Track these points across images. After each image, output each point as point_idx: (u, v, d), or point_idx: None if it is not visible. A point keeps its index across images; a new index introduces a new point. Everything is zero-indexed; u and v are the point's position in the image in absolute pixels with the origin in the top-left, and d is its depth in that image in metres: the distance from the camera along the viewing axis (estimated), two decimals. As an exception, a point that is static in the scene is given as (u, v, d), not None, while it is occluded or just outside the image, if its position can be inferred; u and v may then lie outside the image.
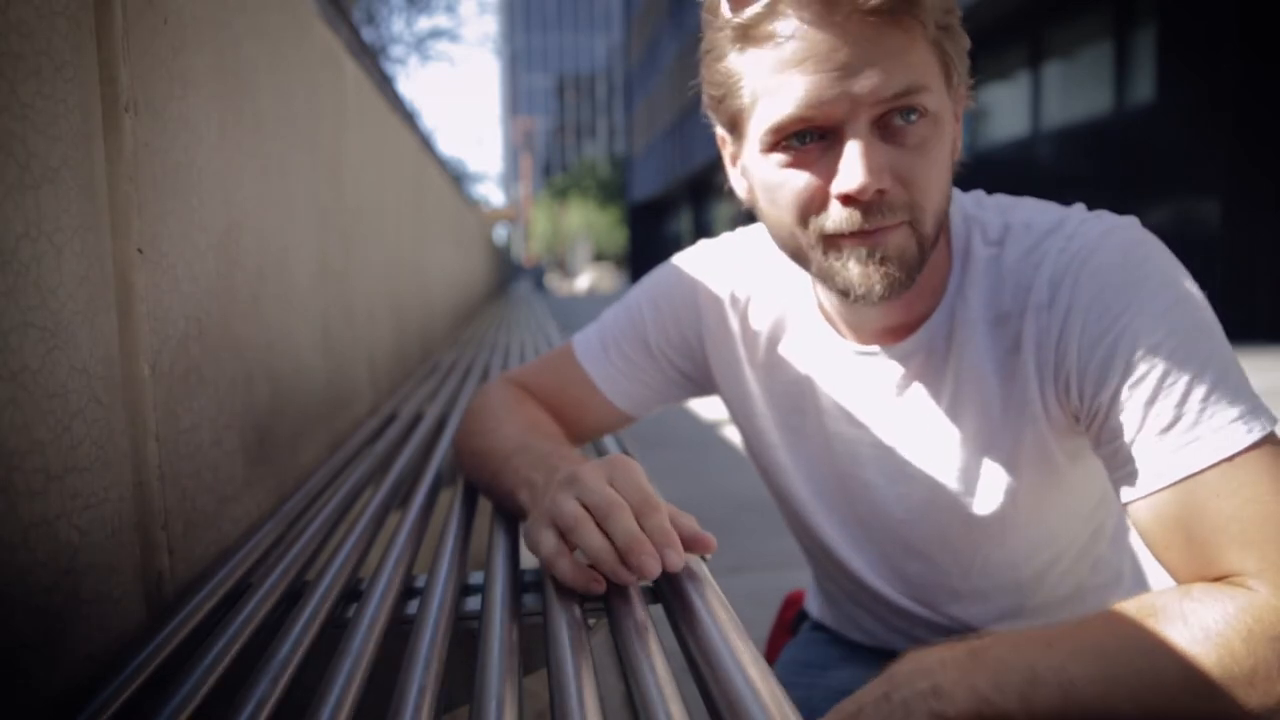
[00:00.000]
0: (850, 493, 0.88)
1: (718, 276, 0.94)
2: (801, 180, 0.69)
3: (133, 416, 0.63)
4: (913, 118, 0.67)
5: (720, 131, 0.79)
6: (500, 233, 22.58)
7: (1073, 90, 9.91)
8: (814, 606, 1.09)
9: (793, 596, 1.25)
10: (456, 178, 8.82)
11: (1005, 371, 0.76)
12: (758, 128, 0.71)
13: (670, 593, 0.62)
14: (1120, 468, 0.68)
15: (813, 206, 0.70)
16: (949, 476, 0.81)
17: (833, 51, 0.64)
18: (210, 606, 0.64)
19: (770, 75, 0.68)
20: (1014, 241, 0.75)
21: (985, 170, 11.11)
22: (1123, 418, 0.67)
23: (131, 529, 0.62)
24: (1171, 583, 0.67)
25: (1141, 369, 0.66)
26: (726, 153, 0.81)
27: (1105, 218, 0.73)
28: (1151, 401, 0.65)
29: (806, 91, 0.66)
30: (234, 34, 0.89)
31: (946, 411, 0.80)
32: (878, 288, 0.70)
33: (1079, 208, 0.77)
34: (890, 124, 0.67)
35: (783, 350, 0.89)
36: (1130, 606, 0.63)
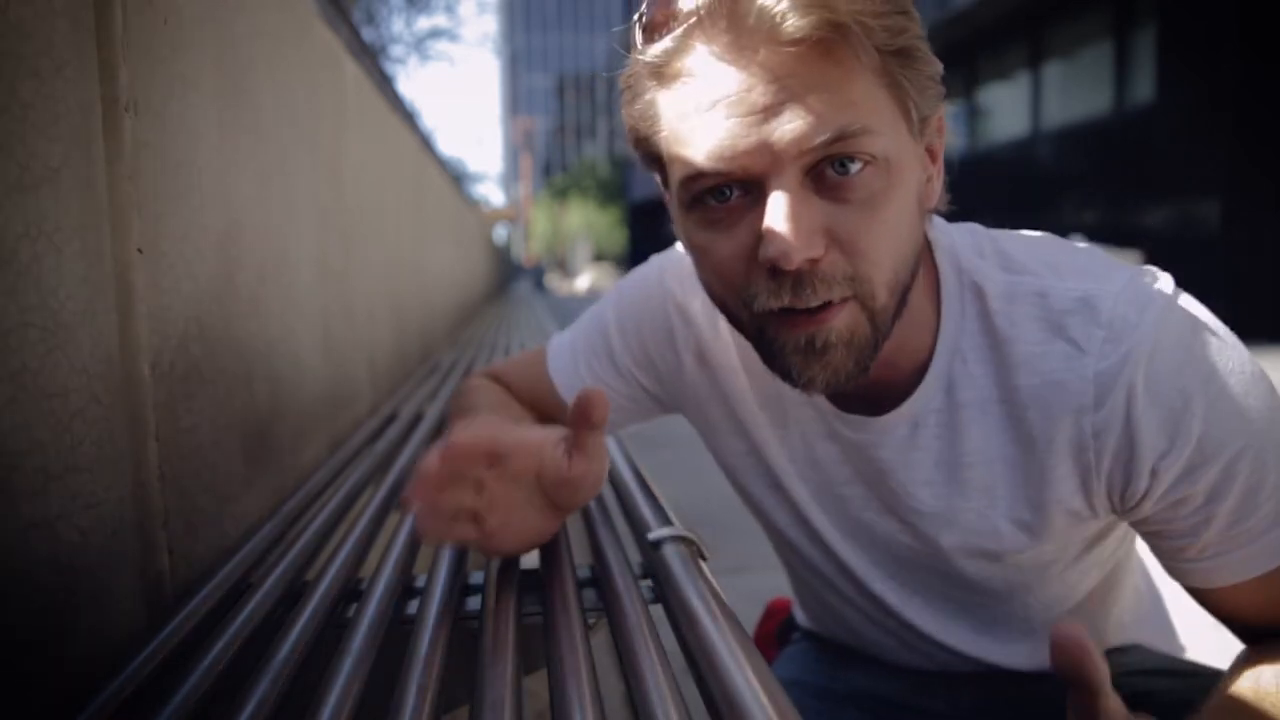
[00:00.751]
0: (854, 531, 0.81)
1: (691, 292, 0.83)
2: (724, 247, 0.59)
3: (133, 416, 0.63)
4: (853, 167, 0.55)
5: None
6: (500, 233, 22.58)
7: (1073, 90, 9.92)
8: (804, 618, 1.05)
9: (773, 606, 1.19)
10: (456, 178, 8.82)
11: (1020, 460, 0.67)
12: (673, 181, 0.62)
13: (670, 593, 0.62)
14: (1197, 561, 0.63)
15: (738, 277, 0.60)
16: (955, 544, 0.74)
17: (747, 92, 0.54)
18: (210, 606, 0.64)
19: (682, 120, 0.58)
20: (1027, 317, 0.64)
21: (985, 170, 11.12)
22: (1209, 519, 0.61)
23: (131, 529, 0.62)
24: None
25: (1225, 473, 0.59)
26: (665, 196, 0.69)
27: (1139, 291, 0.61)
28: (1244, 500, 0.60)
29: (717, 140, 0.56)
30: (234, 34, 0.89)
31: (942, 489, 0.72)
32: (819, 381, 0.60)
33: (1096, 265, 0.65)
34: (825, 175, 0.56)
35: (760, 387, 0.80)
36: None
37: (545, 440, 0.61)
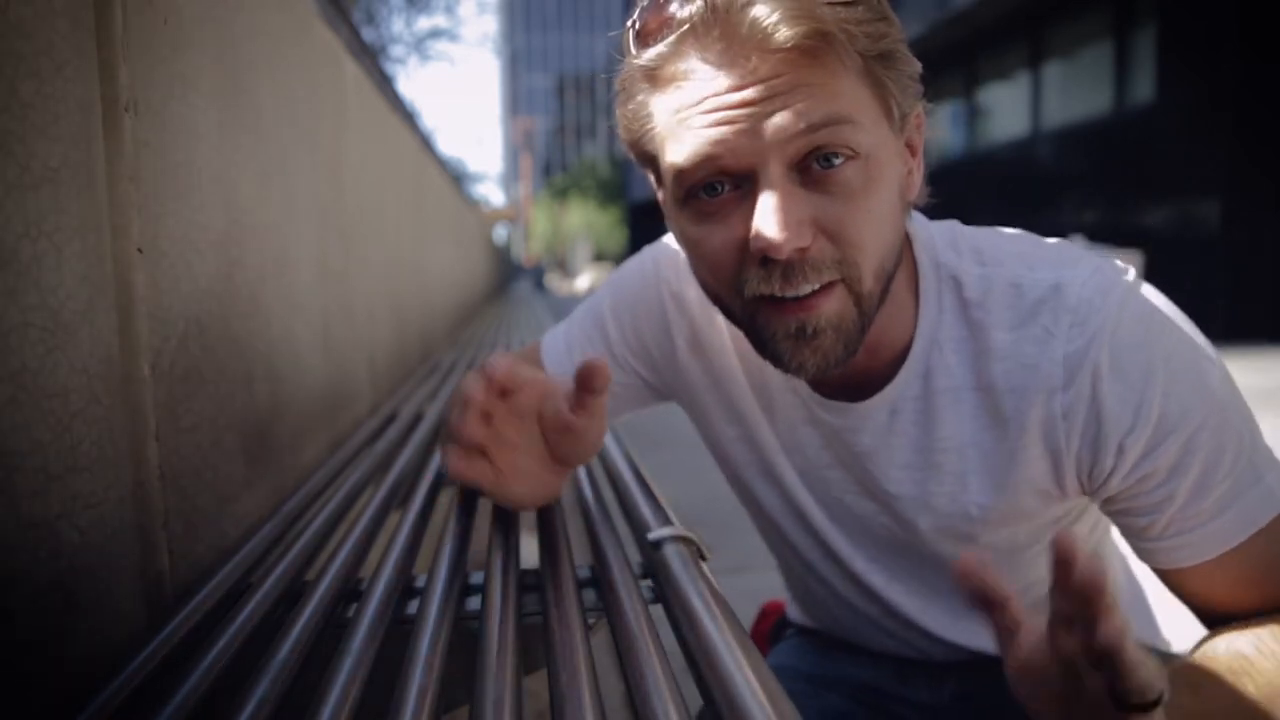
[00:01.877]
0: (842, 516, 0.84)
1: (686, 280, 0.85)
2: (716, 238, 0.62)
3: (133, 416, 0.63)
4: (836, 160, 0.59)
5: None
6: (500, 233, 22.58)
7: (1073, 90, 9.92)
8: (795, 612, 1.07)
9: (768, 607, 1.21)
10: (456, 178, 8.83)
11: (992, 445, 0.70)
12: (666, 175, 0.65)
13: (670, 593, 0.62)
14: (1161, 539, 0.65)
15: (730, 267, 0.63)
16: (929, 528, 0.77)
17: (736, 92, 0.58)
18: (210, 606, 0.64)
19: (674, 116, 0.62)
20: (1001, 306, 0.68)
21: (985, 170, 11.12)
22: (1171, 495, 0.63)
23: (131, 529, 0.62)
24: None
25: (1186, 448, 0.62)
26: (659, 193, 0.72)
27: (1104, 278, 0.65)
28: (1204, 477, 0.62)
29: (709, 137, 0.59)
30: (234, 34, 0.89)
31: (918, 474, 0.74)
32: (809, 365, 0.63)
33: (1065, 255, 0.69)
34: (810, 169, 0.59)
35: (751, 372, 0.82)
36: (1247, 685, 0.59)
37: (550, 383, 0.65)
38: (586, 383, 0.61)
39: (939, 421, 0.71)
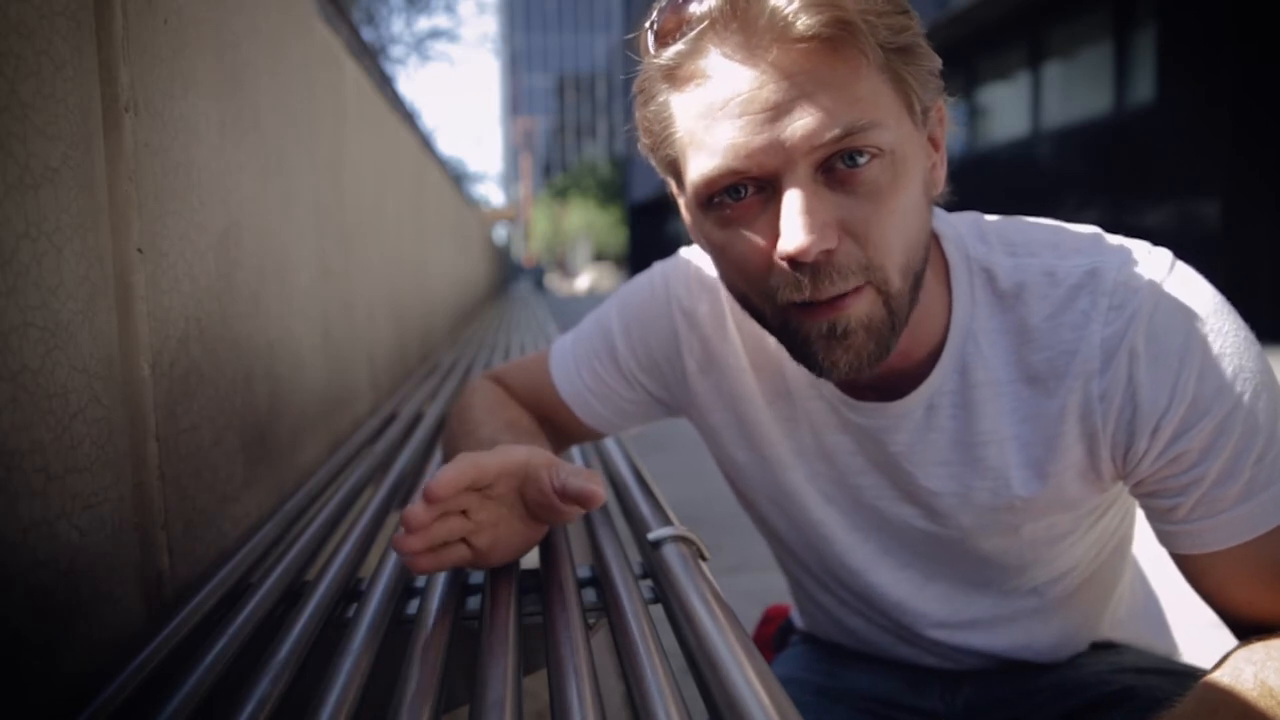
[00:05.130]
0: (871, 521, 0.82)
1: (697, 297, 0.85)
2: (742, 243, 0.62)
3: (133, 416, 0.63)
4: (861, 160, 0.58)
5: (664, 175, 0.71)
6: (500, 233, 22.58)
7: (1073, 90, 9.91)
8: (802, 622, 1.06)
9: (771, 612, 1.20)
10: (456, 178, 8.82)
11: (1033, 436, 0.69)
12: (690, 181, 0.63)
13: (670, 593, 0.62)
14: (1186, 521, 0.65)
15: (758, 272, 0.62)
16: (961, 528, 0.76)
17: (758, 90, 0.56)
18: (210, 606, 0.64)
19: (696, 121, 0.61)
20: (1037, 296, 0.67)
21: (985, 170, 11.12)
22: (1201, 477, 0.63)
23: (131, 529, 0.62)
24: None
25: (1218, 430, 0.62)
26: (679, 199, 0.72)
27: (1140, 262, 0.65)
28: (1235, 460, 0.62)
29: (732, 140, 0.58)
30: (234, 34, 0.89)
31: (958, 469, 0.73)
32: (842, 365, 0.62)
33: (1096, 241, 0.68)
34: (835, 169, 0.58)
35: (768, 385, 0.81)
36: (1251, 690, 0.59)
37: (530, 463, 0.63)
38: (583, 502, 0.61)
39: (978, 415, 0.70)
